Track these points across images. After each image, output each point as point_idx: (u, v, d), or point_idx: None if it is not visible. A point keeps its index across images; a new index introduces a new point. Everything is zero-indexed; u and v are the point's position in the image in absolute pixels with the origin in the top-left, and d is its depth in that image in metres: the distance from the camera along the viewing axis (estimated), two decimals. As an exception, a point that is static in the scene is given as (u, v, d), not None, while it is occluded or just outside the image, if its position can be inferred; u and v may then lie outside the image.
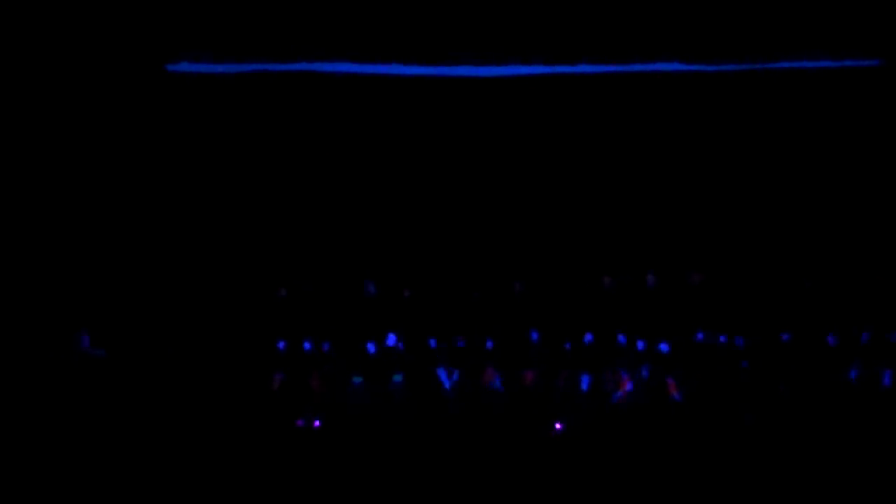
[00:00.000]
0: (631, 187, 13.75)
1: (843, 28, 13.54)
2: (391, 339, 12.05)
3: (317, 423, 11.61)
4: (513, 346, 12.18)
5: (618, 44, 13.59)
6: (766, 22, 13.56)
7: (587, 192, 13.74)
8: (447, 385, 11.75)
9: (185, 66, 13.63)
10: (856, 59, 13.65)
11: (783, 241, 13.50)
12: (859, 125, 13.77)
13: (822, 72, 13.72)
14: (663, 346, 11.90)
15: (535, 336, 12.16)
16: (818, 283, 12.67)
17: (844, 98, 13.78)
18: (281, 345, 11.98)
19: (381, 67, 13.65)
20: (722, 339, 12.04)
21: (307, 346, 12.03)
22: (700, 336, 12.07)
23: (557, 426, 11.26)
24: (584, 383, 11.85)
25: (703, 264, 12.96)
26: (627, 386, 11.67)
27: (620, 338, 12.03)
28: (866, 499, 10.34)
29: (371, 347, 12.05)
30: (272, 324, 12.40)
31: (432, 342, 12.13)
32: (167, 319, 12.76)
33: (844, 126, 13.79)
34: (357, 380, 11.81)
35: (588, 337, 12.10)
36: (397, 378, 11.85)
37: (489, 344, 12.06)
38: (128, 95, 13.48)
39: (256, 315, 12.59)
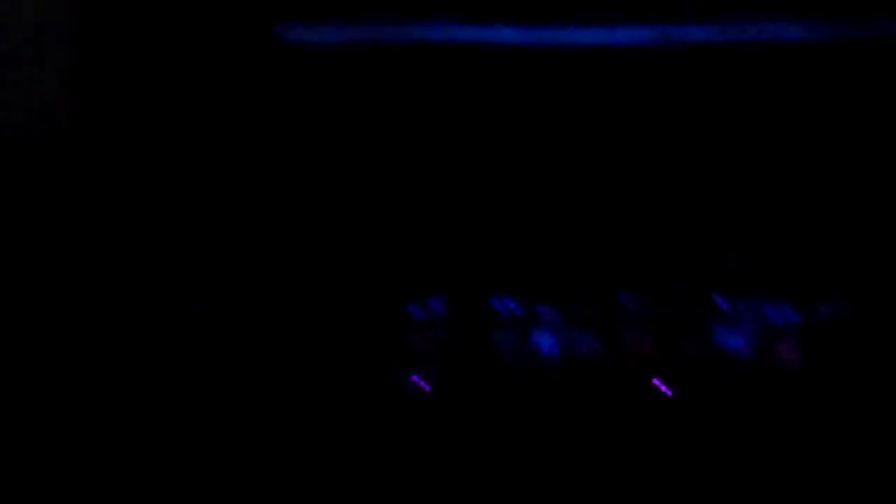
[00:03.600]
0: (619, 163, 13.31)
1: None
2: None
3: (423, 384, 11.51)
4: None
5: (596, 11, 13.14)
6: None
7: (580, 167, 13.36)
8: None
9: (295, 33, 13.64)
10: (842, 31, 13.02)
11: (767, 218, 12.93)
12: (843, 101, 13.06)
13: (804, 46, 13.15)
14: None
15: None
16: (797, 259, 12.20)
17: (829, 73, 13.10)
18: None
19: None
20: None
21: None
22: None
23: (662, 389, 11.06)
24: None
25: (692, 239, 12.52)
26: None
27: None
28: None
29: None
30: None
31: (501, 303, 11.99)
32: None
33: (827, 102, 13.11)
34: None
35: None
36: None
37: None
38: (235, 63, 13.49)
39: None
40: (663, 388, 10.26)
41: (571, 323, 11.33)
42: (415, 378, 10.80)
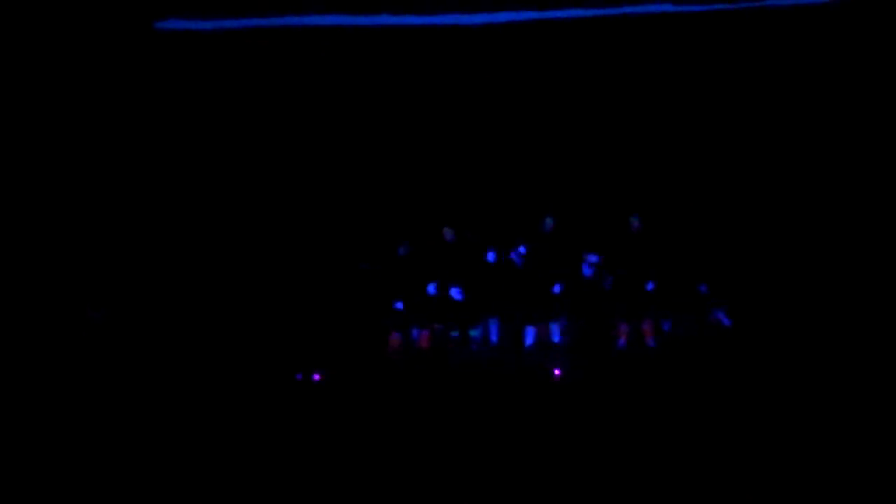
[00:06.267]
0: (621, 134, 13.66)
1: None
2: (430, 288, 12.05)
3: (316, 376, 11.53)
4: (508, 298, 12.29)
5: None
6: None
7: (578, 138, 13.69)
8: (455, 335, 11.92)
9: (173, 24, 13.57)
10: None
11: (776, 189, 13.34)
12: (856, 63, 13.54)
13: (814, 8, 13.52)
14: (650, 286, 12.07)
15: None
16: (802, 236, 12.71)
17: (841, 34, 13.53)
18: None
19: (371, 19, 13.59)
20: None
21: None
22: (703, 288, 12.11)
23: (556, 372, 11.31)
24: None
25: (693, 214, 12.92)
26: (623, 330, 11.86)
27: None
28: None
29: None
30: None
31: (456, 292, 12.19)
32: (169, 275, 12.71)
33: (840, 64, 13.56)
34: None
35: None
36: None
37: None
38: (116, 54, 13.37)
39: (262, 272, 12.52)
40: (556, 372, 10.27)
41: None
42: (299, 376, 10.54)
